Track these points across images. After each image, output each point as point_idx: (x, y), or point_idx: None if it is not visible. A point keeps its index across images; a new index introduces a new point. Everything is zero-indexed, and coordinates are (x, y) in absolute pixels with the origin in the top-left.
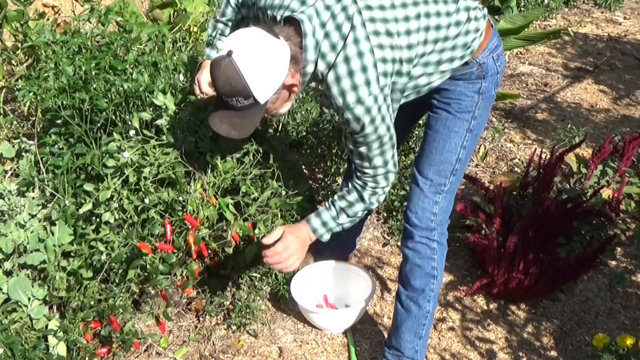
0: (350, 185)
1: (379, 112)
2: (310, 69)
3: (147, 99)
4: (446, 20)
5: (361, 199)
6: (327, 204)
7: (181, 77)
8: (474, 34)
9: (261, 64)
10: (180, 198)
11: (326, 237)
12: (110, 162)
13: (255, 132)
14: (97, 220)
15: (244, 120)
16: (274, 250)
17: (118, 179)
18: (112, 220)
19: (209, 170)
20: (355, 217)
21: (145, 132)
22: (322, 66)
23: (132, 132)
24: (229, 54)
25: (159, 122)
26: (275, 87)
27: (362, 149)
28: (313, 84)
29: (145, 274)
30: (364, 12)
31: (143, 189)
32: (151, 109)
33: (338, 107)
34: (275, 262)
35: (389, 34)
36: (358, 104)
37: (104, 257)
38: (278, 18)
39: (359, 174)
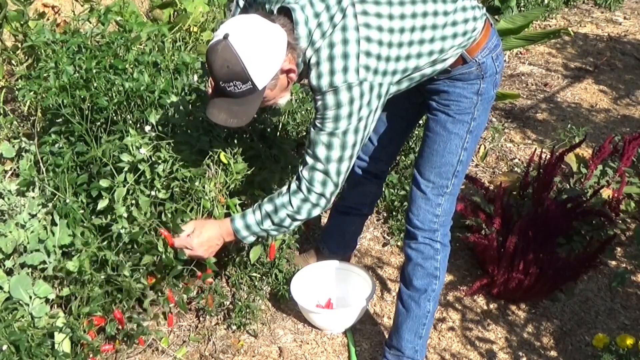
0: (287, 185)
1: (350, 104)
2: (302, 59)
3: (149, 98)
4: (443, 20)
5: (289, 203)
6: (255, 205)
7: (195, 78)
8: (471, 33)
9: (258, 46)
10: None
11: (250, 239)
12: (125, 157)
13: (266, 135)
14: (111, 216)
15: (242, 107)
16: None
17: (132, 175)
18: (125, 215)
19: (221, 170)
20: (282, 225)
21: (159, 128)
22: (309, 52)
23: (147, 128)
24: (225, 37)
25: (172, 121)
26: (273, 71)
27: (312, 132)
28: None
29: (154, 268)
30: (357, 5)
31: (159, 184)
32: (166, 110)
33: (313, 89)
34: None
35: (380, 29)
36: (330, 88)
37: (123, 232)
38: (275, 11)
39: (300, 166)
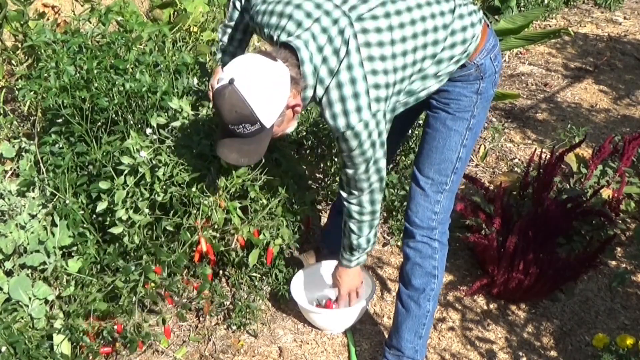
0: (345, 224)
1: (369, 137)
2: (309, 93)
3: (150, 99)
4: (443, 34)
5: (360, 213)
6: (344, 249)
7: (195, 81)
8: (470, 40)
9: (263, 88)
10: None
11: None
12: (126, 160)
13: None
14: (111, 218)
15: (252, 146)
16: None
17: (133, 178)
18: (125, 218)
19: (221, 174)
20: (377, 229)
21: (161, 131)
22: (320, 91)
23: (149, 131)
24: (231, 82)
25: (174, 124)
26: (279, 110)
27: (350, 171)
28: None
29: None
30: (359, 35)
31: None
32: (165, 111)
33: (330, 127)
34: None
35: (383, 58)
36: (348, 129)
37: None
38: (275, 38)
39: (345, 194)
